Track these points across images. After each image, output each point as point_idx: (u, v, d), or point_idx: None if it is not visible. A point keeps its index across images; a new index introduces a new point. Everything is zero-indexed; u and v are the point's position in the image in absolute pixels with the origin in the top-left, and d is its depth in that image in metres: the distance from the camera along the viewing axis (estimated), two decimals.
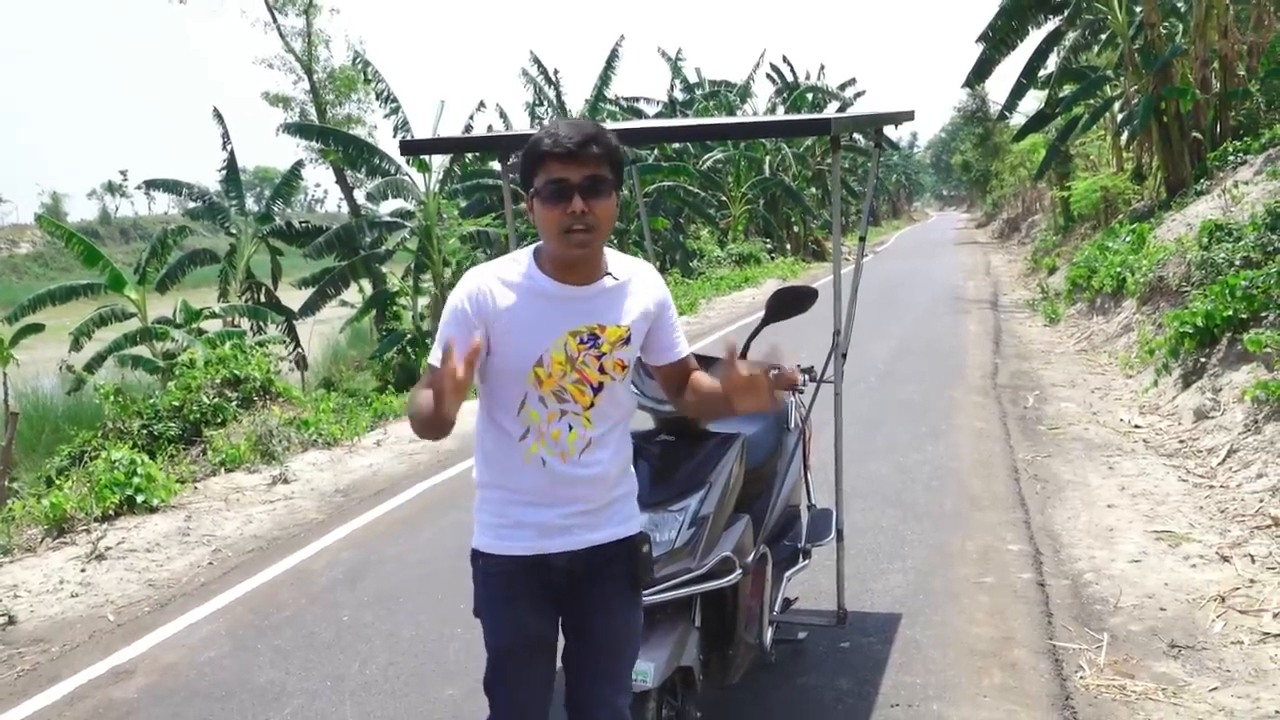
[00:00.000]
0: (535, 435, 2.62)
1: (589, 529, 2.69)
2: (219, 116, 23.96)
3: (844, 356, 4.36)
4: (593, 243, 2.54)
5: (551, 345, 2.57)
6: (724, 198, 35.32)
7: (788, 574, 4.35)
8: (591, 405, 2.64)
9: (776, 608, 4.18)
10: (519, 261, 2.63)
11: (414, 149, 4.46)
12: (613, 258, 2.69)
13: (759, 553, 3.78)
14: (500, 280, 2.59)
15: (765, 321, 3.97)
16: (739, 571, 3.51)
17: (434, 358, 2.54)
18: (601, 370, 2.64)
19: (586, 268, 2.61)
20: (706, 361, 3.87)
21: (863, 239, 4.75)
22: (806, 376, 4.09)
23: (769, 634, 3.97)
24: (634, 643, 2.87)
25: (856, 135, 29.71)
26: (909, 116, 5.07)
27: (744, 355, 4.01)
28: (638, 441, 3.71)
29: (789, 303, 3.96)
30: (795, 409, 4.78)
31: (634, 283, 2.71)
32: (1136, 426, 8.84)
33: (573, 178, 2.47)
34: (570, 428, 2.62)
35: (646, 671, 3.25)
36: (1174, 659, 4.55)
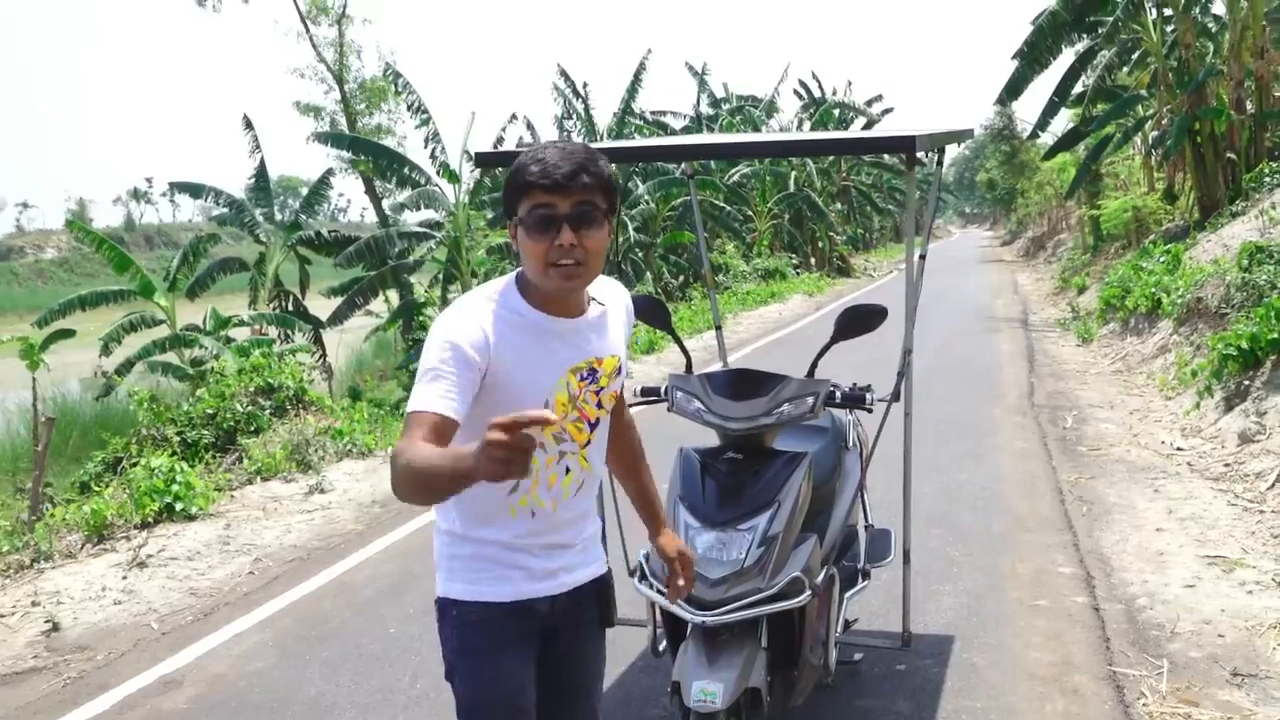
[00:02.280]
0: (528, 485, 2.40)
1: (569, 571, 2.53)
2: (248, 124, 24.06)
3: (900, 375, 4.32)
4: (582, 277, 2.33)
5: (555, 386, 2.38)
6: (750, 212, 35.29)
7: (848, 595, 4.30)
8: (589, 443, 2.50)
9: (839, 629, 4.13)
10: (502, 295, 2.39)
11: (488, 161, 4.46)
12: None
13: (828, 573, 3.73)
14: (494, 317, 2.34)
15: (834, 339, 3.92)
16: (809, 592, 3.46)
17: (427, 404, 2.20)
18: (599, 405, 2.49)
19: (577, 298, 2.43)
20: (747, 374, 3.82)
21: (923, 256, 4.68)
22: (870, 396, 4.04)
23: (833, 655, 3.91)
24: (601, 686, 2.75)
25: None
26: (970, 134, 5.05)
27: (811, 374, 3.99)
28: (704, 459, 3.69)
29: (858, 321, 3.91)
30: (854, 427, 4.73)
31: (614, 305, 2.57)
32: (1179, 449, 8.74)
33: (561, 207, 2.26)
34: (568, 470, 2.46)
35: (715, 692, 3.21)
36: (1238, 687, 4.48)
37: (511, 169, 2.32)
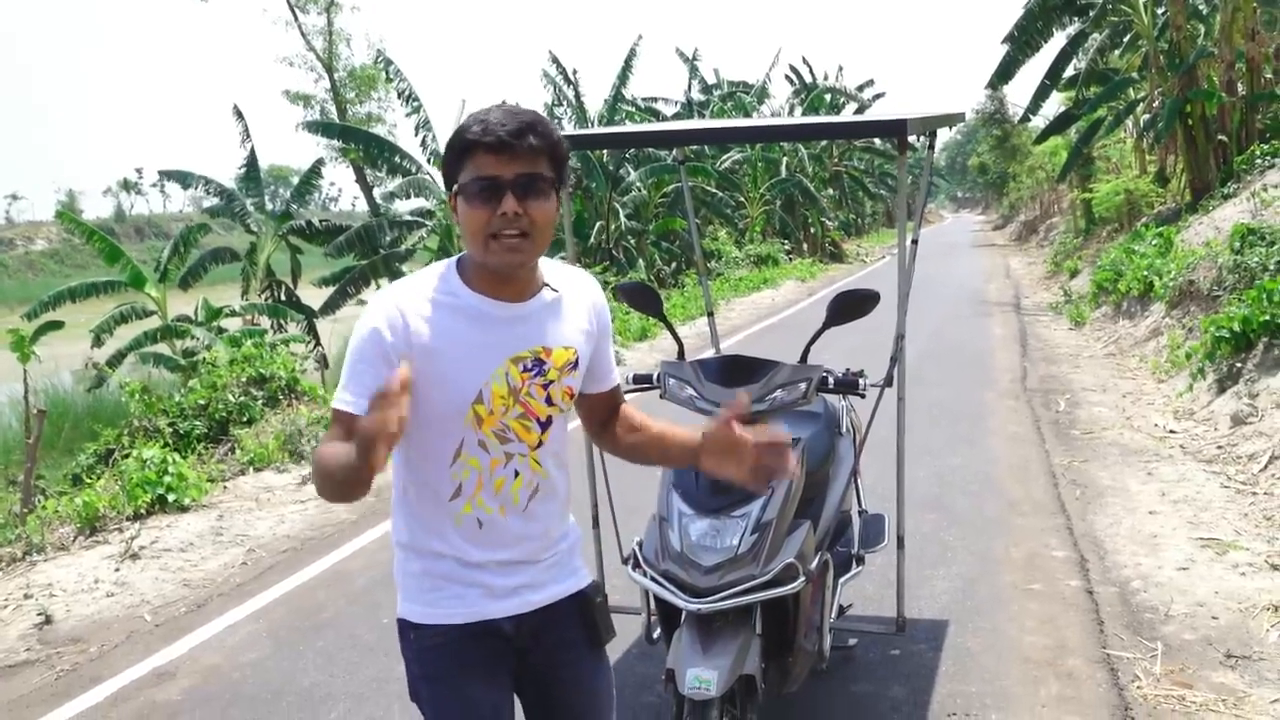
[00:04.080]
0: (472, 490, 2.22)
1: (534, 589, 2.33)
2: (239, 114, 23.97)
3: (892, 360, 4.31)
4: (527, 251, 2.14)
5: (491, 376, 2.18)
6: (742, 198, 35.24)
7: (842, 580, 4.30)
8: (540, 444, 2.27)
9: (833, 614, 4.12)
10: (440, 277, 2.22)
11: None
12: (547, 266, 2.31)
13: (821, 559, 3.73)
14: (421, 301, 2.17)
15: (826, 325, 3.90)
16: (803, 578, 3.45)
17: (344, 401, 2.13)
18: (549, 401, 2.26)
19: (522, 280, 2.22)
20: (737, 362, 3.82)
21: (915, 241, 4.68)
22: (865, 381, 4.02)
23: (827, 641, 3.91)
24: (611, 712, 2.51)
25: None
26: (962, 118, 5.05)
27: (804, 359, 3.98)
28: None
29: (851, 307, 3.89)
30: (847, 413, 4.73)
31: (574, 295, 2.34)
32: (1172, 432, 8.75)
33: (504, 174, 2.08)
34: (517, 474, 2.25)
35: (710, 680, 3.20)
36: (1231, 669, 4.49)
37: (453, 133, 2.15)
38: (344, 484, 2.00)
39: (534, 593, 2.33)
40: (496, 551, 2.28)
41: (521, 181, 2.09)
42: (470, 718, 2.28)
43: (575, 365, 2.31)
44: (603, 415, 2.53)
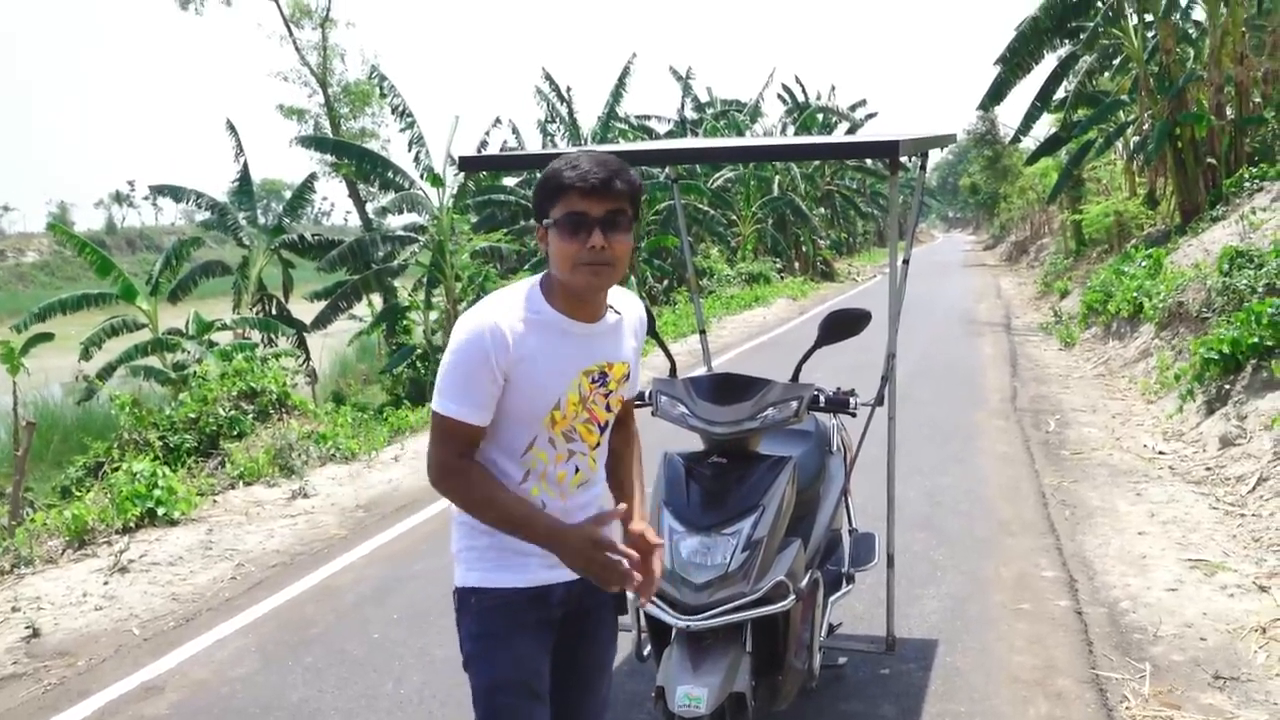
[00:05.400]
0: (537, 477, 2.55)
1: None
2: (232, 129, 24.00)
3: (883, 379, 4.33)
4: (608, 278, 2.46)
5: (568, 386, 2.51)
6: (734, 216, 35.31)
7: (832, 599, 4.31)
8: (597, 445, 2.64)
9: (823, 633, 4.13)
10: (526, 298, 2.52)
11: (472, 165, 4.42)
12: (609, 291, 2.64)
13: (812, 577, 3.73)
14: (515, 320, 2.46)
15: (818, 343, 3.93)
16: (793, 597, 3.46)
17: (450, 410, 2.43)
18: (608, 408, 2.63)
19: (597, 304, 2.55)
20: (733, 379, 3.84)
21: (906, 261, 4.70)
22: (855, 400, 4.05)
23: (817, 659, 3.92)
24: (609, 678, 2.82)
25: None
26: (953, 139, 5.08)
27: (795, 378, 3.99)
28: (688, 463, 3.69)
29: (842, 326, 3.92)
30: (838, 431, 4.74)
31: (629, 315, 2.69)
32: (1161, 453, 8.78)
33: (594, 211, 2.40)
34: (577, 469, 2.59)
35: (700, 697, 3.21)
36: (1219, 690, 4.50)
37: (545, 174, 2.45)
38: (507, 532, 2.47)
39: None
40: None
41: (608, 218, 2.41)
42: (516, 672, 2.55)
43: (628, 377, 2.67)
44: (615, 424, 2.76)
